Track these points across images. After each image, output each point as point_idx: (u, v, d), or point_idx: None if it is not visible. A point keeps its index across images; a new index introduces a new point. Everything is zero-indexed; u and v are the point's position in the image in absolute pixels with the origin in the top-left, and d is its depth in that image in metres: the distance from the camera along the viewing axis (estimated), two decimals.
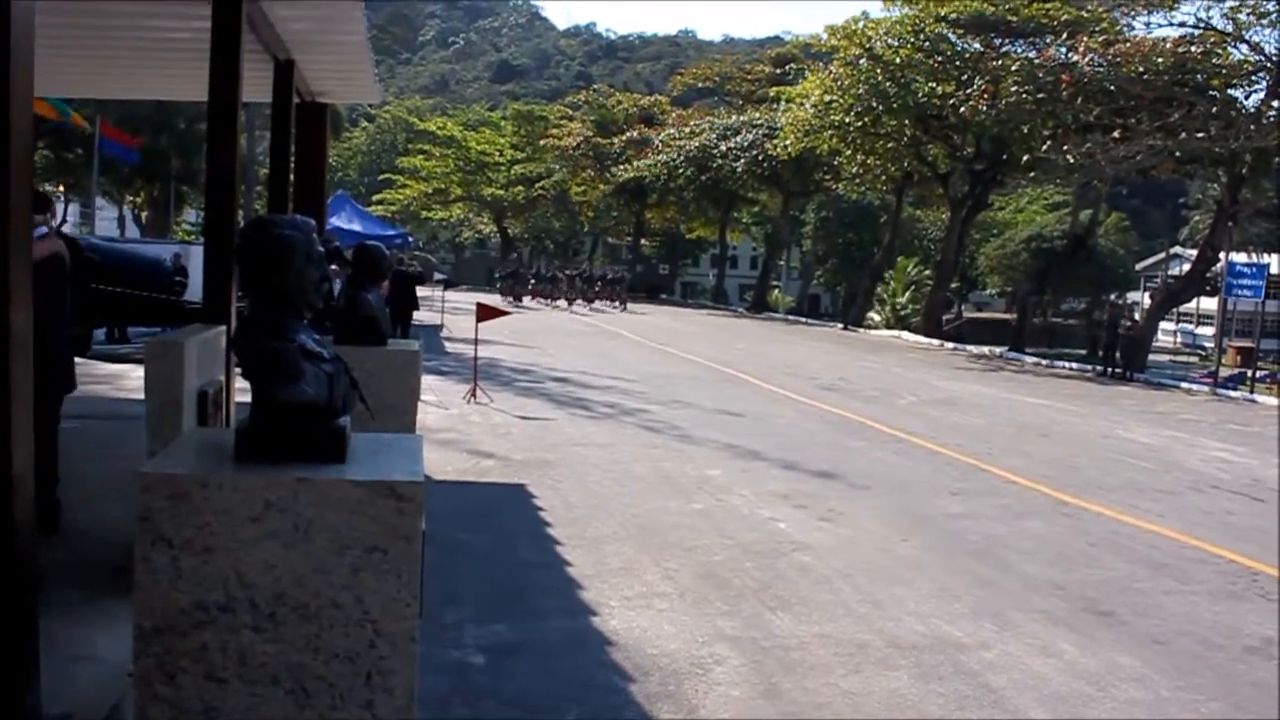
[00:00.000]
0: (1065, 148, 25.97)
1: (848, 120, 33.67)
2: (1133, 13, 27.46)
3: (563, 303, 43.18)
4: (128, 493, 2.94)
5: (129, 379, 12.31)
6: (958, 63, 30.11)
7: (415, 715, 3.00)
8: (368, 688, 2.93)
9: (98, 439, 8.40)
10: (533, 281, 46.40)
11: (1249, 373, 26.88)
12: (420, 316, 22.07)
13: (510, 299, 42.55)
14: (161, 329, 14.65)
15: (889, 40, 31.85)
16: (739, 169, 47.56)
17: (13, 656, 3.23)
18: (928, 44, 30.91)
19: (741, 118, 51.16)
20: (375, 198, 65.22)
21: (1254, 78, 25.78)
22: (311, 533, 2.87)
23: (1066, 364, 28.29)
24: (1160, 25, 27.29)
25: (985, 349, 31.55)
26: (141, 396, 5.41)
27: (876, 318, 45.12)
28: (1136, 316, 28.31)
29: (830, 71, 34.84)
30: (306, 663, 2.91)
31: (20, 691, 3.28)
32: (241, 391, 4.80)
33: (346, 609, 2.90)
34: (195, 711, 2.89)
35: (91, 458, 7.18)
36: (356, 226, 28.43)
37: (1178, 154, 25.43)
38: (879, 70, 31.80)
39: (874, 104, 32.36)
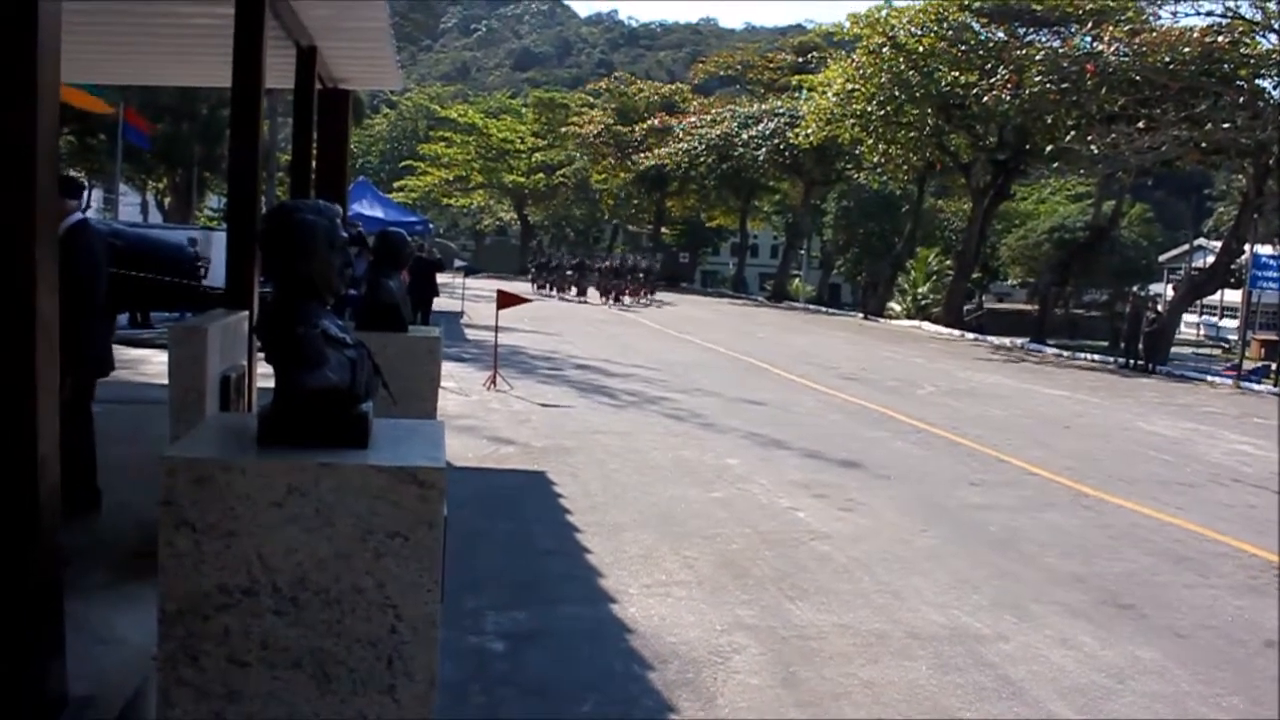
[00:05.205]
0: (1089, 138, 25.77)
1: (870, 109, 33.54)
2: (1159, 1, 27.21)
3: (598, 297, 40.13)
4: (151, 477, 2.96)
5: (152, 364, 12.38)
6: (981, 52, 29.90)
7: (435, 700, 3.02)
8: (389, 672, 2.95)
9: (121, 423, 8.45)
10: (569, 272, 43.08)
11: (1273, 366, 26.66)
12: (441, 303, 22.11)
13: (541, 289, 41.82)
14: (183, 314, 14.72)
15: (912, 29, 31.70)
16: (760, 157, 47.46)
17: (39, 638, 3.26)
18: (951, 33, 30.74)
19: (763, 106, 51.01)
20: (396, 184, 65.34)
21: None
22: (334, 518, 2.89)
23: (1088, 355, 28.13)
24: (1187, 14, 27.17)
25: (1006, 340, 31.42)
26: (164, 381, 5.45)
27: (897, 308, 44.94)
28: (1160, 308, 28.08)
29: (852, 60, 34.73)
30: (328, 647, 2.93)
31: (46, 673, 3.31)
32: (264, 377, 4.82)
33: (368, 594, 2.92)
34: (218, 694, 2.91)
35: (115, 442, 7.22)
36: (378, 213, 28.44)
37: (1203, 145, 25.17)
38: (902, 59, 31.68)
39: (896, 93, 32.27)
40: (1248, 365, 27.37)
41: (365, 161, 73.61)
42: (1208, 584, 6.92)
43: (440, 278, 20.90)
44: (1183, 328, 36.25)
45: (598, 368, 17.29)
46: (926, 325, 36.73)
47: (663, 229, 66.48)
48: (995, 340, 31.60)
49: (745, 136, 48.31)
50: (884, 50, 32.27)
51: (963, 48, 30.37)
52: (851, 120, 34.83)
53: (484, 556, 6.43)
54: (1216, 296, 44.91)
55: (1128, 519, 8.66)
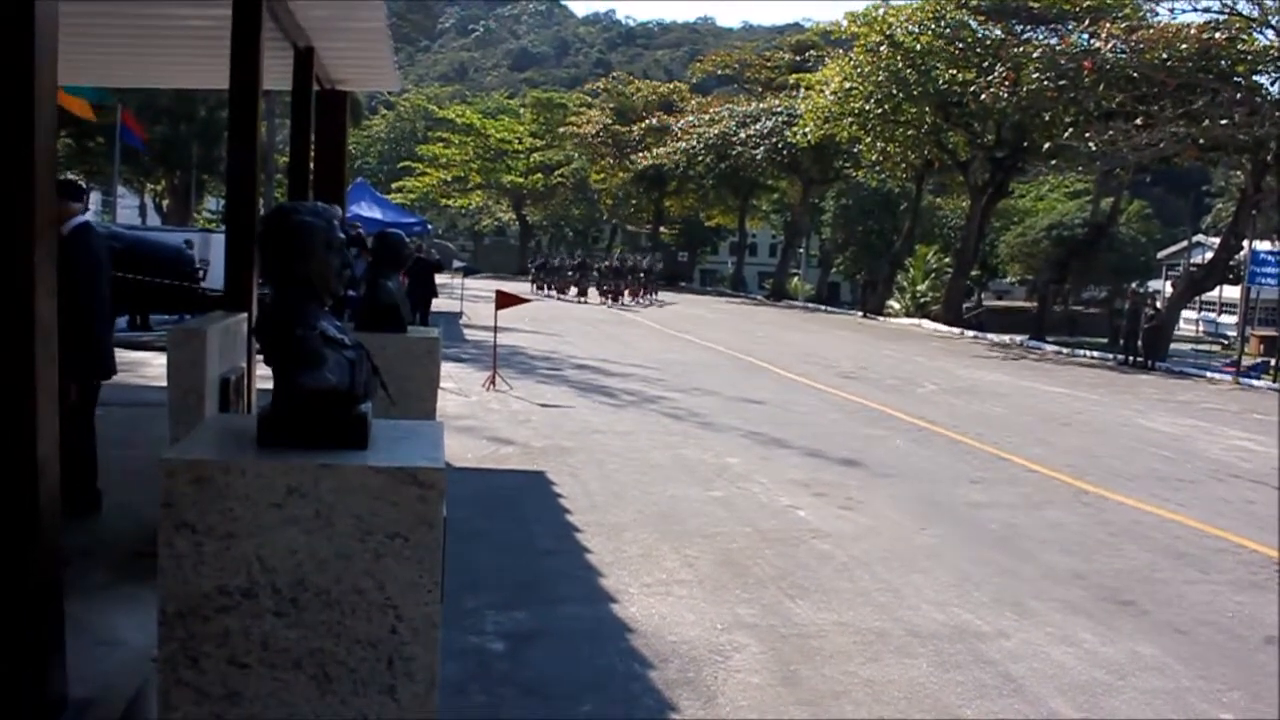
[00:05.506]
0: (1087, 135, 25.77)
1: (868, 107, 33.53)
2: None
3: (599, 297, 40.01)
4: (151, 479, 2.96)
5: (151, 366, 12.38)
6: (979, 49, 29.88)
7: (436, 701, 3.02)
8: (389, 673, 2.95)
9: (120, 426, 8.45)
10: (569, 273, 42.85)
11: (1272, 361, 26.66)
12: (440, 304, 22.09)
13: (541, 289, 41.68)
14: (182, 317, 14.72)
15: (909, 27, 31.68)
16: (758, 156, 47.45)
17: (39, 639, 3.26)
18: (948, 30, 30.72)
19: (761, 105, 50.98)
20: (395, 185, 65.28)
21: None
22: (333, 518, 2.88)
23: (1087, 352, 28.12)
24: (1184, 11, 27.32)
25: (1006, 337, 31.40)
26: (164, 383, 5.45)
27: (896, 306, 44.93)
28: (1159, 305, 28.07)
29: (850, 58, 34.70)
30: (328, 648, 2.92)
31: (46, 674, 3.31)
32: (263, 378, 4.82)
33: (368, 595, 2.92)
34: (218, 696, 2.91)
35: (114, 444, 7.22)
36: (377, 214, 28.42)
37: (1201, 141, 25.17)
38: (899, 57, 31.65)
39: (894, 91, 32.25)
40: (1247, 361, 27.37)
41: (363, 162, 73.55)
42: (1208, 580, 6.92)
43: (439, 278, 20.91)
44: (1182, 324, 36.24)
45: (597, 367, 17.29)
46: (926, 323, 36.72)
47: (661, 228, 66.49)
48: (994, 338, 31.59)
49: (743, 135, 48.27)
50: (881, 48, 32.24)
51: (960, 45, 30.33)
52: (849, 119, 34.82)
53: (484, 556, 6.43)
54: (1215, 293, 44.89)
55: (1128, 515, 8.67)
